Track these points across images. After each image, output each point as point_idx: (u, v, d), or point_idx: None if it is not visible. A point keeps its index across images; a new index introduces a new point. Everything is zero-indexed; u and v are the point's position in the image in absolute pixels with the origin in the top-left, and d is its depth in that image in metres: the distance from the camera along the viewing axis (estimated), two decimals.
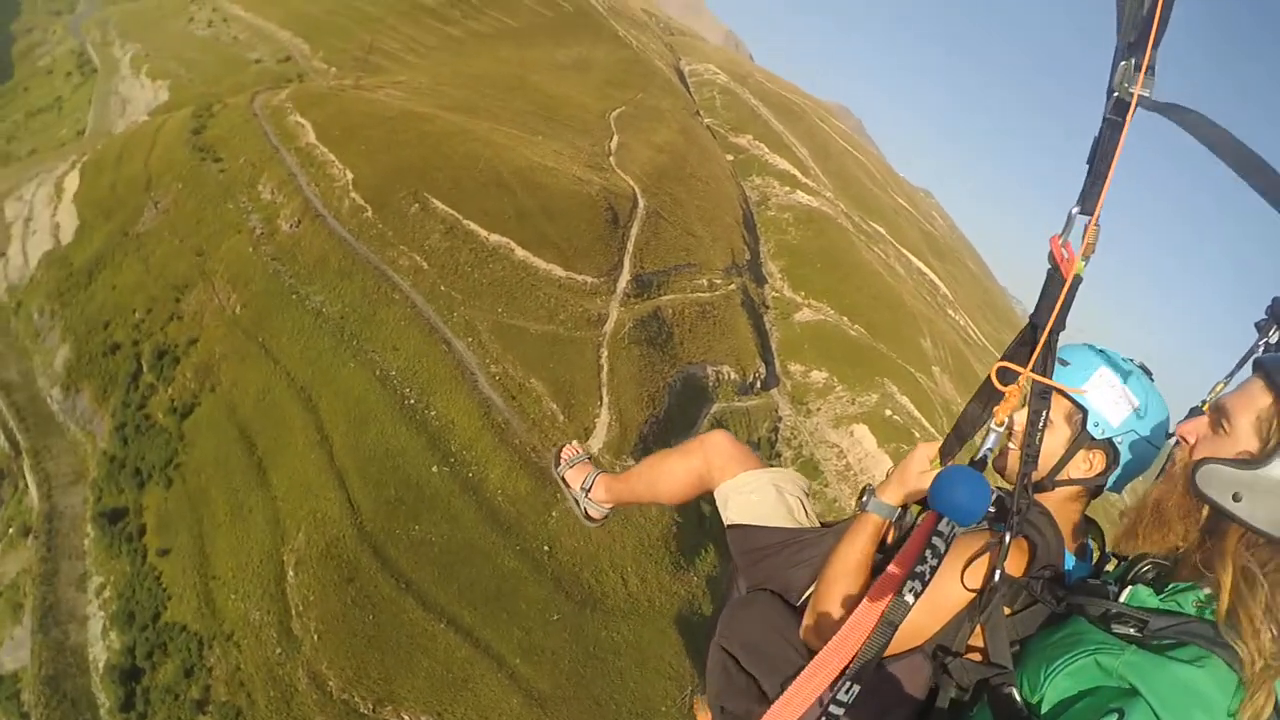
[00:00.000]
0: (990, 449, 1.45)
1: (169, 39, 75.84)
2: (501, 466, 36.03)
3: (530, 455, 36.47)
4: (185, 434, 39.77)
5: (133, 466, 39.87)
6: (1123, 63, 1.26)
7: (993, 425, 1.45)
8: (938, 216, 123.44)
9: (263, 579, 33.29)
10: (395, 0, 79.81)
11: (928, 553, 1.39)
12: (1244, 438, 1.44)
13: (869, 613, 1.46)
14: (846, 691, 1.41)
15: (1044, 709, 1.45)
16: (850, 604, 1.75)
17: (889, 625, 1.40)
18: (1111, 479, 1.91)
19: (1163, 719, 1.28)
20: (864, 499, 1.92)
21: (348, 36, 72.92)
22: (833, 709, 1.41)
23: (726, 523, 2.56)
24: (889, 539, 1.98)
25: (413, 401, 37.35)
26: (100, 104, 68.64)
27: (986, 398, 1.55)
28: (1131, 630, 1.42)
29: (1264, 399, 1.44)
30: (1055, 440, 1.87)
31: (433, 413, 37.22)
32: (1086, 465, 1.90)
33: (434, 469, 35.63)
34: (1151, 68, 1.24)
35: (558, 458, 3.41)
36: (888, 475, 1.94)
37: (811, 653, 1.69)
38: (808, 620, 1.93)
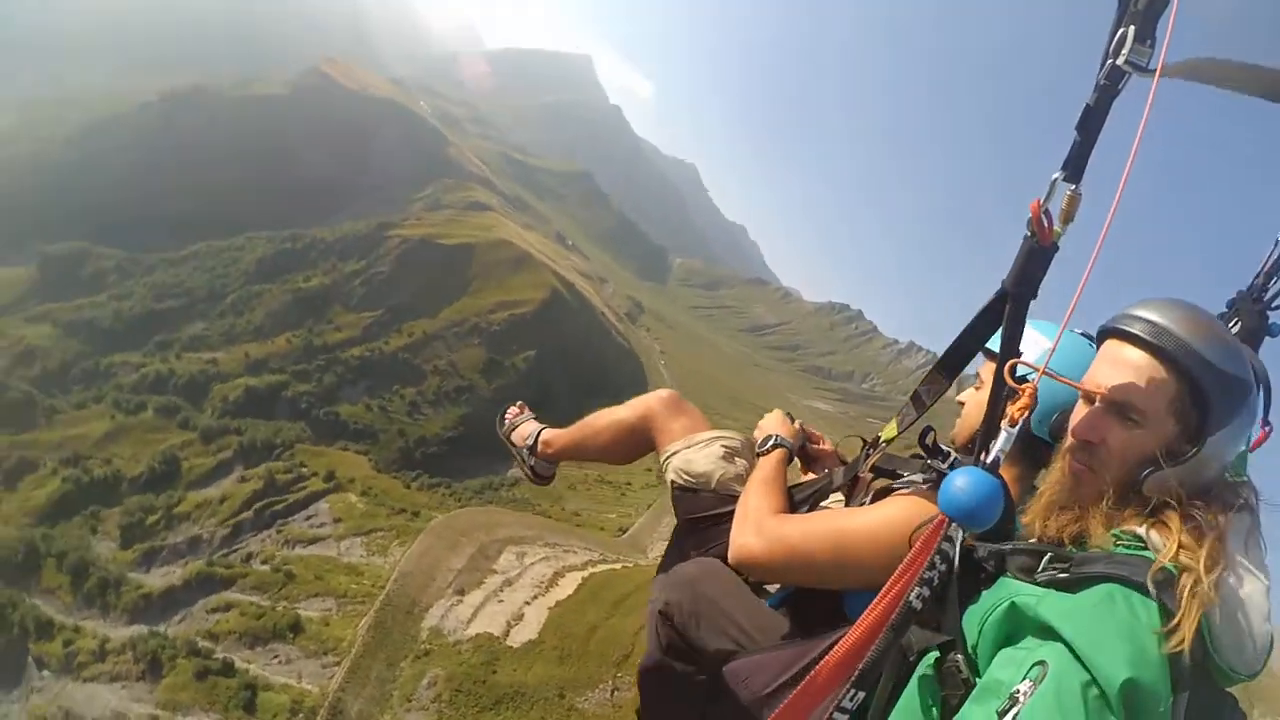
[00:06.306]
0: (1003, 450, 1.39)
1: None
2: None
3: None
4: None
5: None
6: (1121, 30, 1.15)
7: (1005, 426, 1.39)
8: None
9: None
10: None
11: (936, 558, 1.37)
12: (1159, 423, 1.39)
13: (875, 618, 1.41)
14: (851, 699, 1.38)
15: (979, 669, 1.40)
16: (766, 509, 1.98)
17: (894, 631, 1.36)
18: (1034, 422, 1.89)
19: (1084, 654, 1.19)
20: (766, 445, 2.25)
21: None
22: (837, 716, 1.39)
23: (671, 485, 2.48)
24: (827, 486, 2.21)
25: None
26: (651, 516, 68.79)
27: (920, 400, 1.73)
28: (1056, 574, 1.35)
29: (1158, 373, 1.39)
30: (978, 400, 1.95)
31: None
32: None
33: None
34: (1154, 36, 1.12)
35: (502, 419, 3.22)
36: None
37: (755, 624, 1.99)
38: (734, 536, 1.97)
